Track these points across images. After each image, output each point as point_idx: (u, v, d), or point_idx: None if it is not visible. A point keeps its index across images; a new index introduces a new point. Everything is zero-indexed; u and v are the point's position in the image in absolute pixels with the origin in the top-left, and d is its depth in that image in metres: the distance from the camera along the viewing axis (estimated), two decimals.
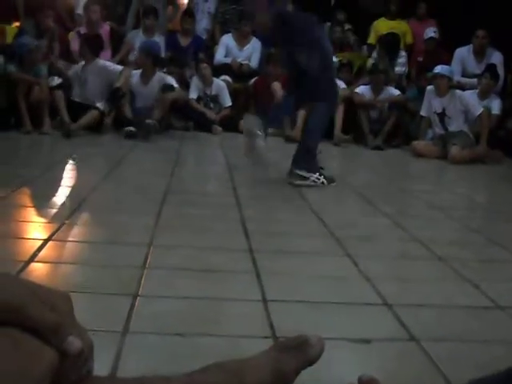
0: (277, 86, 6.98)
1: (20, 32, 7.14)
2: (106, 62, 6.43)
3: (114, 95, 6.29)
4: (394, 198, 4.00)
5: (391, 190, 4.36)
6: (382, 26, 8.15)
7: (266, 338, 1.65)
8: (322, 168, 4.12)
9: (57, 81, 6.23)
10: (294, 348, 0.62)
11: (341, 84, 6.94)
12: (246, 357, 0.63)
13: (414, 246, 2.75)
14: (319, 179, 4.01)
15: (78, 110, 6.07)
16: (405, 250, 2.69)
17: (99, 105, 6.23)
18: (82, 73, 6.33)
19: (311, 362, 0.62)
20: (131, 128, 5.94)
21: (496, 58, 7.25)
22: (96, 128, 6.21)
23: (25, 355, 0.47)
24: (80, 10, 7.77)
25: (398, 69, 7.62)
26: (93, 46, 6.40)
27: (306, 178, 4.00)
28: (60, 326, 0.49)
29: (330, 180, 4.07)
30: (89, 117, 6.08)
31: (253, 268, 2.23)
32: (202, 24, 8.30)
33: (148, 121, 5.95)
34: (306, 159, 4.04)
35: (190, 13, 8.04)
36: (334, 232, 2.84)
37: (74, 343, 0.50)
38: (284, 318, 1.80)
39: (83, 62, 6.42)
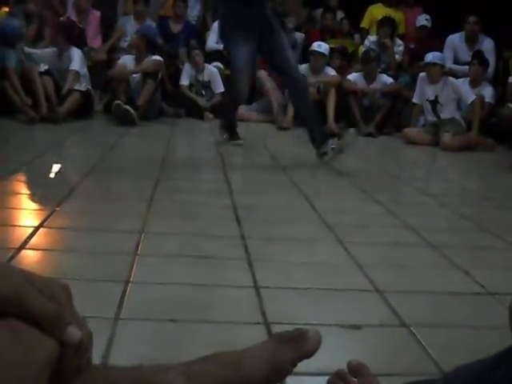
0: (263, 74, 6.96)
1: (9, 17, 7.09)
2: (77, 53, 6.34)
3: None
4: (386, 186, 4.01)
5: (383, 178, 4.36)
6: (378, 11, 8.13)
7: (257, 324, 1.65)
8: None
9: (43, 66, 6.19)
10: (292, 340, 0.62)
11: (331, 71, 6.94)
12: (243, 347, 0.63)
13: (406, 233, 2.76)
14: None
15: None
16: (397, 237, 2.70)
17: (77, 86, 6.18)
18: (60, 61, 6.26)
19: (308, 355, 0.62)
20: (119, 101, 5.94)
21: (487, 44, 7.25)
22: (85, 113, 6.18)
23: (24, 346, 0.47)
24: None
25: (396, 57, 7.60)
26: (68, 33, 6.34)
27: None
28: (59, 316, 0.49)
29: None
30: (72, 99, 6.05)
31: (245, 254, 2.24)
32: (195, 11, 8.25)
33: (127, 107, 5.92)
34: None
35: None
36: (326, 219, 2.85)
37: (74, 333, 0.49)
38: (276, 304, 1.80)
39: (55, 49, 6.36)
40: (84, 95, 6.21)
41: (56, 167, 4.07)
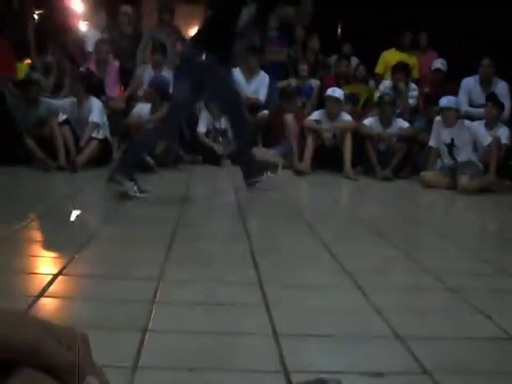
0: (289, 119, 7.02)
1: (31, 68, 7.26)
2: (96, 103, 6.45)
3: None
4: (404, 230, 3.99)
5: (401, 222, 4.34)
6: (392, 56, 8.21)
7: (277, 372, 1.63)
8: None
9: (62, 116, 6.30)
10: None
11: (347, 116, 6.99)
12: None
13: (425, 277, 2.73)
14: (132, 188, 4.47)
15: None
16: (416, 282, 2.67)
17: (95, 134, 6.27)
18: (79, 111, 6.38)
19: None
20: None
21: (502, 87, 7.28)
22: (104, 161, 6.26)
23: None
24: (90, 47, 7.88)
25: (410, 101, 7.65)
26: (86, 84, 6.46)
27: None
28: (77, 366, 0.49)
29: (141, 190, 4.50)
30: (91, 148, 6.14)
31: (263, 301, 2.22)
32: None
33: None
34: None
35: None
36: (344, 264, 2.83)
37: (92, 383, 0.49)
38: (295, 352, 1.78)
39: (74, 99, 6.48)
40: (102, 143, 6.30)
41: (74, 215, 4.10)
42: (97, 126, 6.29)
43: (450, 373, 1.70)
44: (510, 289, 2.65)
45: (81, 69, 7.41)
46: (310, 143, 6.77)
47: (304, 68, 8.14)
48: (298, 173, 6.56)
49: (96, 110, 6.32)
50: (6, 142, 5.94)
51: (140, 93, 7.49)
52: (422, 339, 1.95)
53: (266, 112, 7.62)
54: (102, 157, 6.26)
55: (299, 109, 7.60)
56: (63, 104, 6.49)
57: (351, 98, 7.53)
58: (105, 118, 6.48)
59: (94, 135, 6.26)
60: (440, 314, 2.26)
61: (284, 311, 2.14)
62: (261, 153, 7.10)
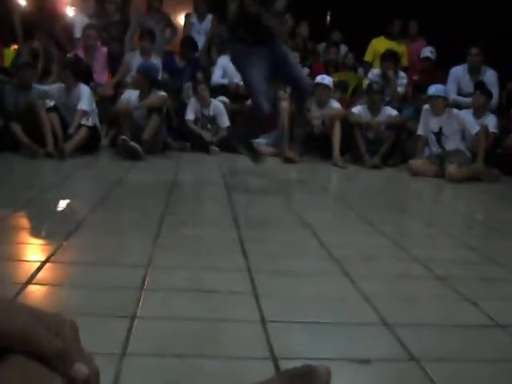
0: (284, 106, 6.99)
1: (18, 55, 7.20)
2: (85, 90, 6.39)
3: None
4: (392, 218, 4.00)
5: (389, 210, 4.36)
6: (381, 44, 8.21)
7: (265, 359, 1.64)
8: None
9: (49, 103, 6.25)
10: (301, 377, 0.61)
11: (335, 104, 6.99)
12: (251, 383, 0.63)
13: (413, 265, 2.74)
14: None
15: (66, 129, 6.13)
16: (404, 270, 2.68)
17: (84, 121, 6.23)
18: (67, 97, 6.33)
19: None
20: (124, 137, 5.99)
21: (490, 75, 7.30)
22: (92, 148, 6.22)
23: (32, 382, 0.47)
24: (78, 34, 7.83)
25: (399, 89, 7.65)
26: (75, 70, 6.41)
27: None
28: (66, 352, 0.49)
29: None
30: (79, 136, 6.09)
31: (251, 288, 2.23)
32: (199, 45, 8.35)
33: (133, 144, 5.96)
34: None
35: (190, 42, 8.06)
36: (332, 252, 2.84)
37: (81, 369, 0.49)
38: (283, 338, 1.79)
39: (62, 85, 6.43)
40: (91, 130, 6.26)
41: (62, 202, 4.08)
42: (85, 113, 6.25)
43: (437, 360, 1.71)
44: (497, 277, 2.67)
45: (68, 55, 7.36)
46: (299, 130, 6.76)
47: (295, 55, 8.12)
48: (287, 160, 6.57)
49: (85, 98, 6.27)
50: None
51: (128, 79, 7.45)
52: (409, 326, 1.96)
53: None
54: (90, 144, 6.23)
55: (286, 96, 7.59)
56: (51, 89, 6.45)
57: (340, 86, 7.53)
58: (94, 105, 6.43)
59: (83, 122, 6.22)
60: (427, 302, 2.27)
61: (272, 298, 2.14)
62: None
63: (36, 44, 7.12)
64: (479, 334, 1.95)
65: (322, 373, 0.62)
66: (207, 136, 7.06)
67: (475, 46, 7.23)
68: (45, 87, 6.50)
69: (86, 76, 6.64)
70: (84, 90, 6.33)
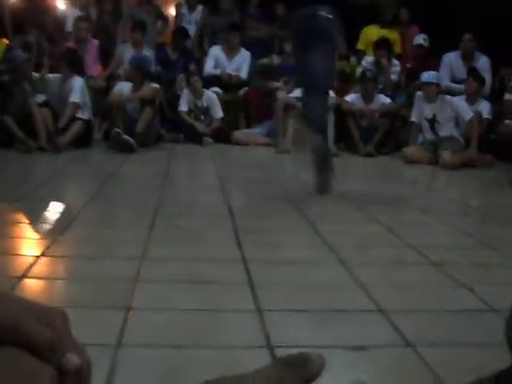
0: (281, 95, 6.95)
1: (9, 48, 7.16)
2: (78, 82, 6.35)
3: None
4: (386, 205, 4.00)
5: (383, 197, 4.36)
6: (373, 32, 8.18)
7: (261, 347, 1.64)
8: None
9: (41, 98, 6.22)
10: (295, 364, 0.61)
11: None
12: (245, 372, 0.63)
13: (408, 252, 2.75)
14: None
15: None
16: (399, 257, 2.69)
17: (79, 114, 6.21)
18: (61, 88, 6.30)
19: (312, 379, 0.61)
20: (118, 129, 5.97)
21: (483, 62, 7.30)
22: (85, 142, 6.20)
23: (22, 374, 0.46)
24: (69, 27, 7.78)
25: (393, 77, 7.63)
26: (71, 62, 6.38)
27: None
28: (56, 343, 0.48)
29: None
30: (74, 128, 6.08)
31: (246, 278, 2.23)
32: (190, 35, 8.32)
33: (126, 137, 5.94)
34: None
35: (181, 31, 8.04)
36: (327, 240, 2.84)
37: (72, 360, 0.49)
38: (279, 327, 1.79)
39: (57, 76, 6.39)
40: (85, 124, 6.23)
41: (57, 196, 4.07)
42: (77, 106, 6.22)
43: (433, 345, 1.72)
44: (492, 262, 2.67)
45: (60, 48, 7.32)
46: (291, 121, 6.75)
47: (289, 45, 8.08)
48: (280, 151, 6.55)
49: (77, 90, 6.23)
50: None
51: (120, 72, 7.42)
52: (404, 312, 1.96)
53: (247, 89, 7.58)
54: (83, 138, 6.21)
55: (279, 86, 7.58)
56: (53, 78, 6.40)
57: (338, 74, 7.48)
58: (87, 98, 6.39)
59: (78, 115, 6.19)
60: (423, 288, 2.28)
61: (268, 288, 2.14)
62: (245, 135, 7.11)
63: (30, 37, 7.06)
64: (474, 319, 1.96)
65: (317, 359, 0.62)
66: (200, 127, 7.04)
67: (468, 31, 7.22)
68: (48, 76, 6.46)
69: (79, 68, 6.60)
70: (77, 82, 6.30)
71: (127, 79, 6.68)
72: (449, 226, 3.41)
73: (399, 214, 3.82)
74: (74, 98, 6.19)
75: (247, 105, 7.46)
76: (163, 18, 8.56)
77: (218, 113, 7.17)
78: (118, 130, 6.01)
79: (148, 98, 6.33)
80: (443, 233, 3.28)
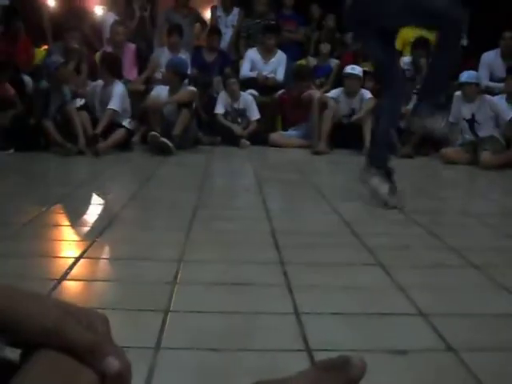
0: (316, 95, 6.91)
1: (48, 54, 7.27)
2: (118, 88, 6.40)
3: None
4: (425, 207, 3.94)
5: (422, 199, 4.30)
6: (409, 32, 8.08)
7: (299, 351, 1.62)
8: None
9: (80, 102, 6.30)
10: (336, 368, 0.60)
11: (367, 94, 6.92)
12: (286, 375, 0.61)
13: (449, 254, 2.70)
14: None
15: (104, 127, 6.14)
16: (439, 259, 2.64)
17: (125, 123, 6.27)
18: (103, 93, 6.37)
19: (353, 383, 0.60)
20: (155, 132, 6.01)
21: None
22: (125, 146, 6.26)
23: (63, 377, 0.46)
24: (107, 32, 7.87)
25: None
26: (111, 67, 6.44)
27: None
28: (97, 346, 0.48)
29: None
30: (117, 136, 6.14)
31: (284, 281, 2.21)
32: (226, 38, 8.35)
33: (164, 139, 5.98)
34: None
35: (215, 30, 8.10)
36: (366, 242, 2.81)
37: (113, 363, 0.48)
38: (317, 330, 1.77)
39: (101, 82, 6.47)
40: (128, 132, 6.29)
41: (95, 198, 4.12)
42: (115, 113, 6.26)
43: (476, 350, 1.68)
44: None
45: (98, 52, 7.41)
46: (326, 121, 6.71)
47: (327, 47, 8.05)
48: (316, 152, 6.52)
49: (117, 97, 6.28)
50: (26, 128, 5.97)
51: (157, 76, 7.48)
52: (446, 316, 1.93)
53: (283, 91, 7.57)
54: (124, 143, 6.27)
55: (317, 88, 7.55)
56: (94, 87, 6.49)
57: (373, 74, 7.42)
58: (127, 105, 6.44)
59: (124, 123, 6.25)
60: (464, 291, 2.23)
61: (306, 290, 2.13)
62: (282, 137, 7.10)
63: (72, 43, 7.14)
64: None
65: (358, 363, 0.61)
66: (237, 129, 7.06)
67: (508, 29, 7.10)
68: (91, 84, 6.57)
69: (119, 73, 6.67)
70: (118, 88, 6.34)
71: (164, 83, 6.73)
72: (490, 228, 3.35)
73: (439, 215, 3.76)
74: (113, 105, 6.24)
75: (283, 107, 7.44)
76: (201, 21, 8.60)
77: (255, 114, 7.17)
78: (155, 132, 6.06)
79: (185, 100, 6.36)
80: (484, 235, 3.22)
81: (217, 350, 1.62)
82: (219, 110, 7.16)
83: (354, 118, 6.78)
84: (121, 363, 0.50)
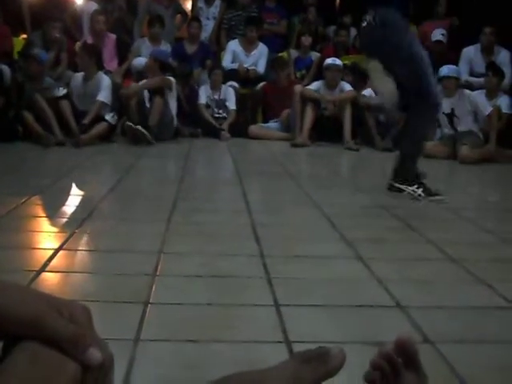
0: (298, 89, 6.92)
1: (27, 44, 7.19)
2: (105, 81, 6.33)
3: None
4: (404, 200, 3.97)
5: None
6: None
7: (279, 342, 1.63)
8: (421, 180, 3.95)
9: (62, 91, 6.22)
10: (315, 359, 0.61)
11: (347, 86, 6.94)
12: (265, 367, 0.62)
13: (427, 247, 2.73)
14: (415, 192, 3.88)
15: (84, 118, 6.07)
16: (417, 252, 2.67)
17: (109, 117, 6.19)
18: (86, 85, 6.30)
19: (331, 374, 0.61)
20: (129, 123, 5.97)
21: (504, 56, 7.22)
22: (106, 137, 6.21)
23: (46, 368, 0.46)
24: (86, 21, 7.79)
25: None
26: (96, 57, 6.38)
27: (402, 191, 3.91)
28: (80, 338, 0.48)
29: (429, 192, 3.88)
30: (99, 129, 6.06)
31: (264, 273, 2.22)
32: (208, 29, 8.32)
33: (138, 127, 5.94)
34: (402, 170, 3.96)
35: (195, 19, 8.07)
36: (345, 235, 2.83)
37: (95, 355, 0.48)
38: (297, 322, 1.78)
39: (83, 73, 6.39)
40: (110, 127, 6.22)
41: (74, 189, 4.09)
42: (104, 105, 6.19)
43: (453, 342, 1.70)
44: None
45: (78, 43, 7.34)
46: (309, 114, 6.72)
47: (308, 39, 8.05)
48: (296, 144, 6.53)
49: (105, 89, 6.19)
50: (4, 119, 5.90)
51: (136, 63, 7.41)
52: (423, 308, 1.95)
53: (264, 84, 7.57)
54: (105, 136, 6.21)
55: (297, 80, 7.57)
56: (75, 78, 6.42)
57: (351, 68, 7.45)
58: (110, 97, 6.33)
59: (107, 117, 6.16)
60: (442, 284, 2.26)
61: (285, 282, 2.14)
62: (262, 129, 7.09)
63: (53, 32, 7.05)
64: (494, 316, 1.94)
65: (336, 354, 0.62)
66: (217, 124, 7.05)
67: (489, 25, 7.15)
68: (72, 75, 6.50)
69: (99, 63, 6.59)
70: (104, 80, 6.25)
71: (146, 72, 6.67)
72: (469, 222, 3.38)
73: (418, 208, 3.79)
74: (102, 96, 6.15)
75: (264, 99, 7.44)
76: (182, 12, 8.55)
77: (232, 105, 7.17)
78: (130, 123, 5.99)
79: (157, 86, 6.28)
80: (463, 229, 3.25)
81: (196, 341, 1.63)
82: (202, 100, 7.15)
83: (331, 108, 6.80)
84: (103, 354, 0.50)
